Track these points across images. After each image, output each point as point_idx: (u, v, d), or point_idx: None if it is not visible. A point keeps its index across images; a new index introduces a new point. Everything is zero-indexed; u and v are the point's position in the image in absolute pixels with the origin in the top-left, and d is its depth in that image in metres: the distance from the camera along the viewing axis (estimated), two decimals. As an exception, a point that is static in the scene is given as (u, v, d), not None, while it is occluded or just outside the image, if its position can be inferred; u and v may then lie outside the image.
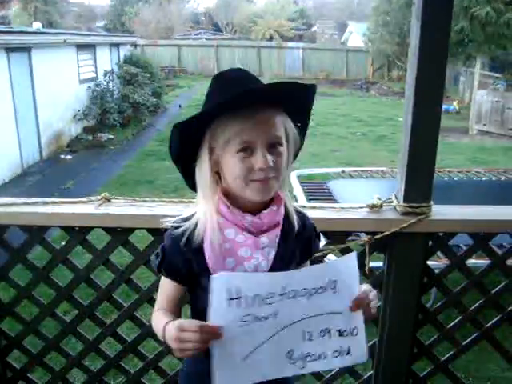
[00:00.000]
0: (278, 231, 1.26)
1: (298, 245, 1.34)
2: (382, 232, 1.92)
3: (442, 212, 1.96)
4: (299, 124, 1.28)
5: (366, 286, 1.24)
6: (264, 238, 1.24)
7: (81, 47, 12.82)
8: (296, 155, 1.30)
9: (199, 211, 1.25)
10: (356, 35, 30.10)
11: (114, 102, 13.03)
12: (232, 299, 1.12)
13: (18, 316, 2.17)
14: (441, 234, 2.00)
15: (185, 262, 1.25)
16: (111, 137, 12.12)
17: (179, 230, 1.25)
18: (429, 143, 1.84)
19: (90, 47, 13.67)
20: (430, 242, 2.01)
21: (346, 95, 21.98)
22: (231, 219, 1.23)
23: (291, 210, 1.31)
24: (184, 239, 1.24)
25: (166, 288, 1.32)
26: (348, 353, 1.23)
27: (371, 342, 2.17)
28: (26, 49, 9.71)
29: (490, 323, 2.16)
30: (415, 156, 1.86)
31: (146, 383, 2.28)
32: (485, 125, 13.94)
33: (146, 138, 12.71)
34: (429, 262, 2.06)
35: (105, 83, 13.31)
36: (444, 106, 17.53)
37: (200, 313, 1.18)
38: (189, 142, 1.21)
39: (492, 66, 18.94)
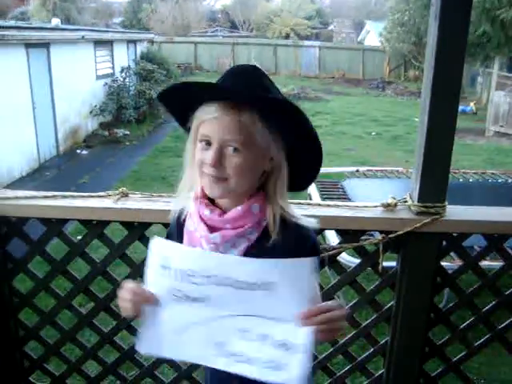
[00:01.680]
0: (238, 232, 1.20)
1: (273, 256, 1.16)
2: (395, 231, 1.93)
3: (457, 212, 1.96)
4: (297, 143, 1.21)
5: (332, 303, 1.13)
6: (215, 235, 1.20)
7: (98, 43, 12.92)
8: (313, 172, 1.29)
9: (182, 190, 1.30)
10: (373, 34, 29.94)
11: (130, 98, 13.13)
12: (164, 267, 1.15)
13: (36, 307, 2.21)
14: (455, 234, 2.00)
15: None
16: (127, 132, 12.21)
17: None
18: (444, 144, 1.84)
19: (108, 43, 13.77)
20: (444, 243, 2.01)
21: (361, 94, 21.89)
22: (197, 209, 1.25)
23: (272, 222, 1.21)
24: (175, 220, 1.34)
25: None
26: (281, 369, 1.12)
27: (383, 341, 2.18)
28: (45, 44, 9.82)
29: (502, 325, 2.16)
30: (430, 156, 1.86)
31: (158, 375, 2.32)
32: (502, 126, 13.80)
33: (162, 135, 12.77)
34: (442, 263, 2.07)
35: (121, 79, 13.41)
36: (461, 107, 17.39)
37: None
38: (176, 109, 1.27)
39: (510, 66, 18.75)
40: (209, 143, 1.17)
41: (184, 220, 1.30)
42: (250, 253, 1.20)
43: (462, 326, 2.16)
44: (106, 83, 13.04)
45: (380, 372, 2.25)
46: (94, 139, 11.75)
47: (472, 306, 2.13)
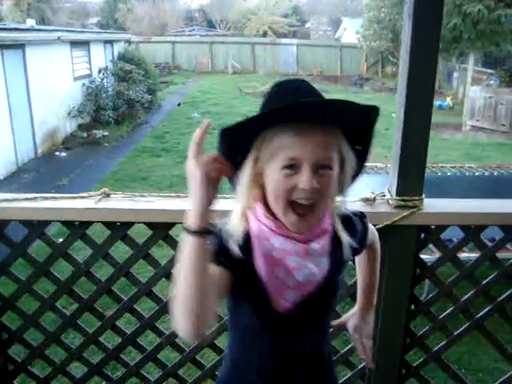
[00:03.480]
0: (327, 238, 1.19)
1: (347, 252, 1.25)
2: (375, 225, 1.96)
3: (434, 205, 2.01)
4: (359, 147, 1.19)
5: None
6: (314, 244, 1.16)
7: (75, 44, 12.82)
8: (354, 180, 1.21)
9: (236, 217, 1.17)
10: (350, 31, 30.14)
11: (108, 99, 13.05)
12: None
13: (19, 310, 2.20)
14: (433, 226, 2.05)
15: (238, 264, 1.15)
16: (106, 134, 12.14)
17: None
18: (420, 138, 1.88)
19: (84, 44, 13.68)
20: (423, 235, 2.06)
21: (340, 91, 22.00)
22: (276, 228, 1.14)
23: (337, 225, 1.23)
24: (239, 243, 1.15)
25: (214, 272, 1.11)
26: None
27: (365, 333, 2.22)
28: (20, 46, 9.71)
29: (481, 314, 2.21)
30: (407, 150, 1.90)
31: (145, 375, 2.33)
32: (478, 120, 14.04)
33: (141, 135, 12.73)
34: (422, 256, 2.11)
35: (99, 80, 13.33)
36: (438, 102, 17.64)
37: (240, 328, 1.28)
38: (236, 149, 1.11)
39: (485, 62, 19.07)
40: (296, 167, 1.08)
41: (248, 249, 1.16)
42: (332, 252, 1.21)
43: (441, 316, 2.21)
44: (84, 84, 12.94)
45: (363, 364, 2.29)
46: (73, 141, 11.66)
47: (451, 297, 2.18)
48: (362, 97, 20.07)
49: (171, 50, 28.21)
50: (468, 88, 14.64)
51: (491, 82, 15.84)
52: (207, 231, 1.00)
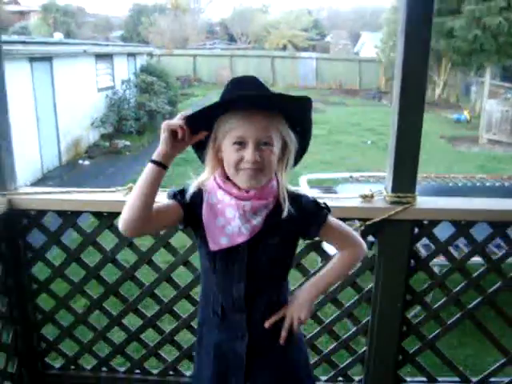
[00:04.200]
0: (263, 203, 1.47)
1: (289, 225, 1.51)
2: (372, 219, 2.18)
3: (427, 202, 2.22)
4: (298, 129, 1.49)
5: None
6: (247, 203, 1.45)
7: (99, 57, 13.25)
8: (301, 156, 1.53)
9: (202, 178, 1.53)
10: (369, 45, 30.35)
11: (130, 110, 13.41)
12: None
13: (52, 293, 2.45)
14: (426, 222, 2.26)
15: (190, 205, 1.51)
16: (128, 143, 12.47)
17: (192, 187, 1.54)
18: (413, 142, 2.09)
19: (108, 57, 14.11)
20: (416, 230, 2.26)
21: (358, 105, 22.21)
22: (223, 187, 1.48)
23: (283, 196, 1.50)
24: (191, 193, 1.52)
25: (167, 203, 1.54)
26: None
27: (365, 320, 2.42)
28: (48, 58, 10.12)
29: (471, 304, 2.40)
30: (401, 153, 2.12)
31: (163, 355, 2.56)
32: (495, 134, 14.10)
33: (162, 145, 13.02)
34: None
35: (122, 92, 13.71)
36: (455, 116, 17.75)
37: (202, 269, 1.62)
38: (199, 129, 1.44)
39: (504, 76, 19.10)
40: (243, 143, 1.40)
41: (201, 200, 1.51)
42: (267, 219, 1.48)
43: (435, 306, 2.40)
44: (107, 95, 13.34)
45: (363, 349, 2.49)
46: (96, 150, 12.02)
47: (444, 288, 2.38)
48: (380, 110, 20.24)
49: (192, 62, 28.74)
50: (485, 101, 14.72)
51: (508, 95, 15.88)
52: (159, 164, 1.40)
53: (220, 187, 1.48)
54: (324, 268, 1.71)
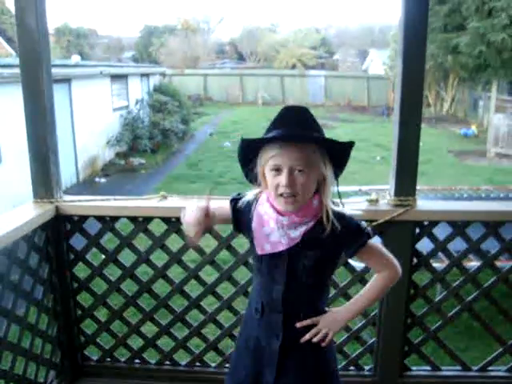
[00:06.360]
0: (300, 220, 1.64)
1: (329, 241, 1.65)
2: (377, 221, 2.45)
3: (427, 204, 2.49)
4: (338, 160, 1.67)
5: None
6: (284, 218, 1.64)
7: (114, 77, 13.71)
8: (337, 176, 1.70)
9: (258, 190, 1.74)
10: (377, 62, 30.78)
11: (144, 129, 13.83)
12: None
13: (91, 290, 2.74)
14: (426, 222, 2.52)
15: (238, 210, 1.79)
16: (142, 161, 12.85)
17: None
18: (412, 150, 2.37)
19: (123, 77, 14.58)
20: (418, 230, 2.53)
21: (367, 121, 22.52)
22: (270, 201, 1.68)
23: (325, 214, 1.65)
24: (244, 201, 1.77)
25: (223, 205, 1.82)
26: None
27: (373, 313, 2.68)
28: (67, 80, 10.54)
29: (469, 298, 2.65)
30: (402, 160, 2.40)
31: (191, 348, 2.82)
32: (502, 147, 14.33)
33: (175, 163, 13.41)
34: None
35: (136, 111, 14.14)
36: (463, 130, 17.99)
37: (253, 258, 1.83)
38: (249, 154, 1.67)
39: (510, 90, 19.32)
40: (280, 170, 1.58)
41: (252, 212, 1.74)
42: (307, 234, 1.65)
43: (436, 300, 2.65)
44: (122, 115, 13.76)
45: (372, 340, 2.74)
46: (112, 168, 12.41)
47: (444, 283, 2.63)
48: (388, 126, 20.45)
49: (203, 82, 29.28)
50: (492, 115, 14.96)
51: (515, 110, 16.11)
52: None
53: (268, 201, 1.69)
54: (363, 290, 1.85)
